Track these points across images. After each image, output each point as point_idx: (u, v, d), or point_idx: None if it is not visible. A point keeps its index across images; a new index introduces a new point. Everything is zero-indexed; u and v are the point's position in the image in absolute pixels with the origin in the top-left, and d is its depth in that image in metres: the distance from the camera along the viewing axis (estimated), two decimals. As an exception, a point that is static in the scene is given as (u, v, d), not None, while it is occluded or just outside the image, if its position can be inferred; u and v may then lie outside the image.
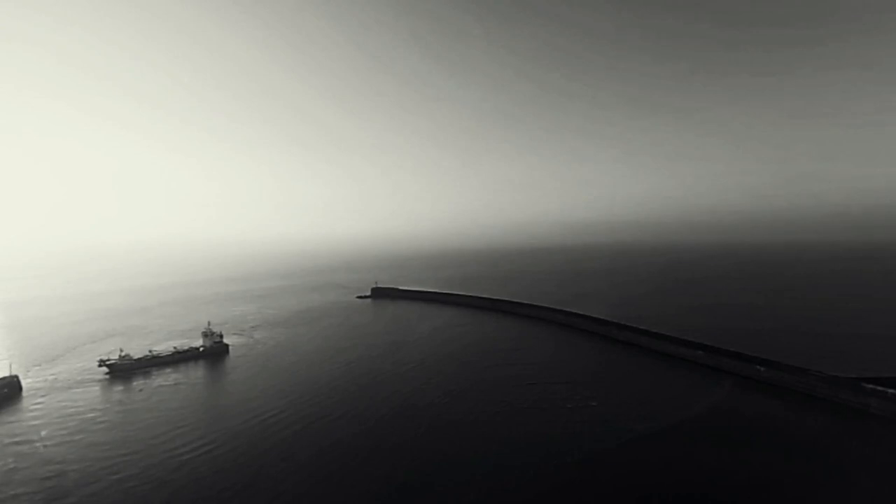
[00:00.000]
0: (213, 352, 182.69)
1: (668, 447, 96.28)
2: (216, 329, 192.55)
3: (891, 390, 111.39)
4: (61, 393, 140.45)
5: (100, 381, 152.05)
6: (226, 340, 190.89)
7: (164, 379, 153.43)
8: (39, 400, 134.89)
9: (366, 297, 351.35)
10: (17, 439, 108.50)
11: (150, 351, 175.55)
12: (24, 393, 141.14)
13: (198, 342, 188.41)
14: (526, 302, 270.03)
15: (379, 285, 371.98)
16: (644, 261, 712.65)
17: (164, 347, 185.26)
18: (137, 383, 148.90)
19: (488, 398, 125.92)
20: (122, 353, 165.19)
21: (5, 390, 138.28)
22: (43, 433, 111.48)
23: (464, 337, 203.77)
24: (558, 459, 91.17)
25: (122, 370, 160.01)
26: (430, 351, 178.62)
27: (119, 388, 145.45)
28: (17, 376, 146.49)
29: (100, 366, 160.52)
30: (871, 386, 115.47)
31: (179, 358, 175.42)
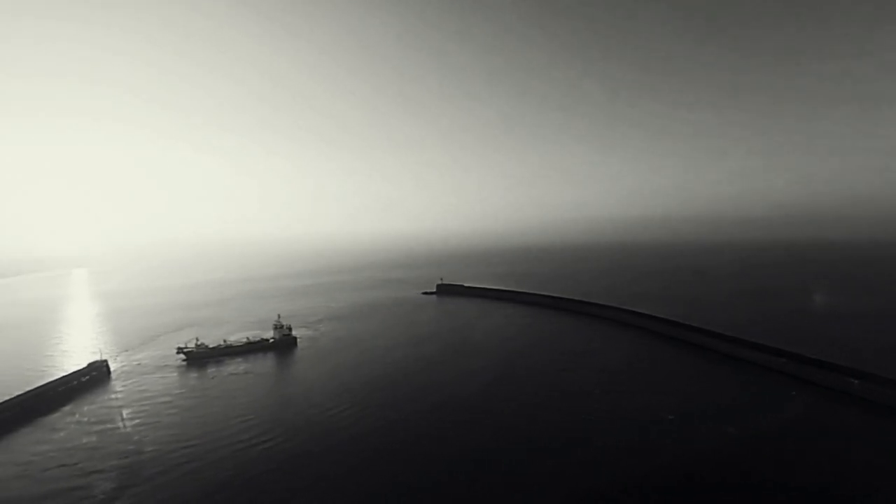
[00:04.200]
0: (282, 344, 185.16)
1: (746, 461, 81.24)
2: (285, 322, 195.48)
3: None
4: (143, 377, 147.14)
5: (177, 367, 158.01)
6: (294, 333, 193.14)
7: (235, 367, 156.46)
8: (125, 383, 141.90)
9: (431, 293, 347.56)
10: (102, 419, 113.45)
11: (224, 341, 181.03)
12: (113, 376, 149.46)
13: (268, 333, 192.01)
14: (592, 301, 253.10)
15: (444, 282, 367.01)
16: (711, 261, 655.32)
17: (237, 338, 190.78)
18: (211, 371, 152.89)
19: (556, 405, 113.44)
20: (198, 342, 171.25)
21: (95, 373, 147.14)
22: (125, 414, 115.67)
23: (531, 336, 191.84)
24: (630, 480, 79.16)
25: (197, 358, 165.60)
26: (497, 352, 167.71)
27: (194, 374, 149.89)
28: (106, 361, 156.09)
29: (177, 353, 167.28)
30: None
31: (250, 348, 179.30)
